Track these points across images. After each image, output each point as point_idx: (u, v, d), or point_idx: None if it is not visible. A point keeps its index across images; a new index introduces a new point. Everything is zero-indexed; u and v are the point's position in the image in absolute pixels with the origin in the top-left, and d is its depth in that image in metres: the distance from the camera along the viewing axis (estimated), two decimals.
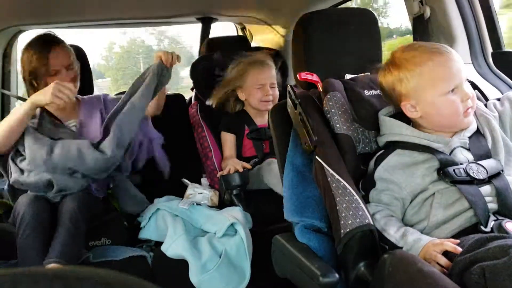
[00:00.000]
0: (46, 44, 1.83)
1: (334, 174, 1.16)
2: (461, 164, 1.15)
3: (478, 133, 1.22)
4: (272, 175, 1.92)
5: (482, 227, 1.06)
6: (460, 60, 1.19)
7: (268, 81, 2.13)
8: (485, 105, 1.30)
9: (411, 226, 1.15)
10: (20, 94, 2.43)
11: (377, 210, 1.16)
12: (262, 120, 2.18)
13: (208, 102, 2.21)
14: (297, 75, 1.43)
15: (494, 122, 1.23)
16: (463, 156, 1.18)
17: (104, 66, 8.56)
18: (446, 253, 1.00)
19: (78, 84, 1.90)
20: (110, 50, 8.73)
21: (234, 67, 2.19)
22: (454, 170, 1.13)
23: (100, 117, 1.89)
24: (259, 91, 2.13)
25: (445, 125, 1.20)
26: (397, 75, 1.20)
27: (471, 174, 1.12)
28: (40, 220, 1.55)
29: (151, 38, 8.35)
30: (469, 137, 1.21)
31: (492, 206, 1.10)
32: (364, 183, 1.25)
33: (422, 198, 1.16)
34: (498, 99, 1.32)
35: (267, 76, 2.14)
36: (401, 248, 1.07)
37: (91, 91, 2.17)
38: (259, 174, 2.02)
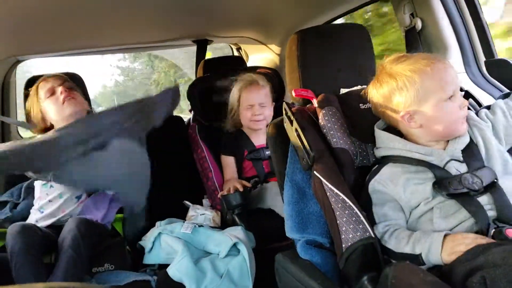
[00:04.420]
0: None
1: (333, 188, 1.16)
2: (455, 176, 1.15)
3: (471, 144, 1.21)
4: (275, 198, 1.92)
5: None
6: (453, 67, 1.19)
7: (256, 101, 2.11)
8: (476, 114, 1.29)
9: None
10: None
11: (384, 231, 1.15)
12: (260, 139, 2.18)
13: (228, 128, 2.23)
14: (293, 92, 1.44)
15: (488, 133, 1.23)
16: (456, 170, 1.17)
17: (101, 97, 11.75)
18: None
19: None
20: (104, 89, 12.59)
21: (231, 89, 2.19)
22: (449, 183, 1.13)
23: None
24: (249, 111, 2.12)
25: (443, 133, 1.19)
26: (395, 85, 1.19)
27: (466, 185, 1.12)
28: (30, 248, 1.51)
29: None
30: (463, 150, 1.20)
31: (492, 213, 1.09)
32: (361, 199, 1.23)
33: (419, 212, 1.15)
34: (488, 107, 1.31)
35: (256, 96, 2.12)
36: (420, 254, 1.05)
37: None
38: (261, 194, 2.01)
